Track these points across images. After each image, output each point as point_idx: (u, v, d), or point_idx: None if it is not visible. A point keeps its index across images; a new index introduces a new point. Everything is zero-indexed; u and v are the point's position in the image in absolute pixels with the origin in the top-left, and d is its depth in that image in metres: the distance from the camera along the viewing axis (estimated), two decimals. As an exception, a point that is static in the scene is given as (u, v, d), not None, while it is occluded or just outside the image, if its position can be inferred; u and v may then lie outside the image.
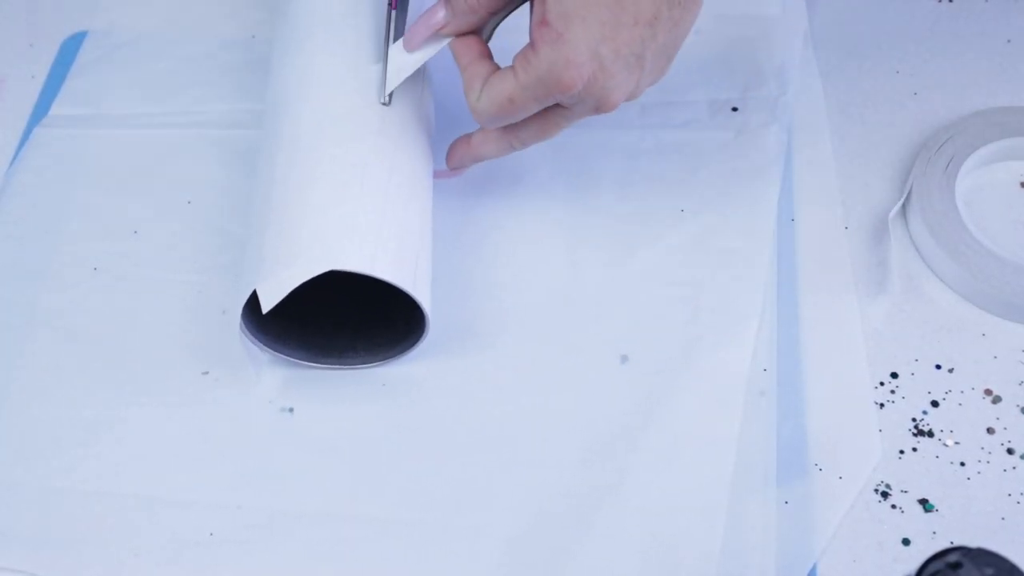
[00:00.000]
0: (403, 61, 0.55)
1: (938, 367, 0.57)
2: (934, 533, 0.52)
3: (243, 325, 0.53)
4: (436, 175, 0.58)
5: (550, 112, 0.53)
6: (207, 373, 0.57)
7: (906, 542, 0.51)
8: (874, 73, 0.68)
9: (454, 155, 0.57)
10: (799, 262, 0.60)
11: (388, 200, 0.53)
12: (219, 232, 0.62)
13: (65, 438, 0.55)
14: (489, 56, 0.53)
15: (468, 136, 0.56)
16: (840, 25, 0.70)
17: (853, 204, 0.62)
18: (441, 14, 0.53)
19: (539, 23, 0.50)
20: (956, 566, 0.37)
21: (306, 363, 0.56)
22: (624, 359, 0.56)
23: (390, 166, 0.54)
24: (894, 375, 0.56)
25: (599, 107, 0.52)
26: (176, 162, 0.65)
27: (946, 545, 0.49)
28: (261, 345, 0.55)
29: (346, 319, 0.57)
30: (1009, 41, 0.69)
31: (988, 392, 0.56)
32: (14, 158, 0.66)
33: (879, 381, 0.56)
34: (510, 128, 0.54)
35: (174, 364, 0.57)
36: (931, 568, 0.37)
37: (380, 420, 0.55)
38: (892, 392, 0.56)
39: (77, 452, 0.54)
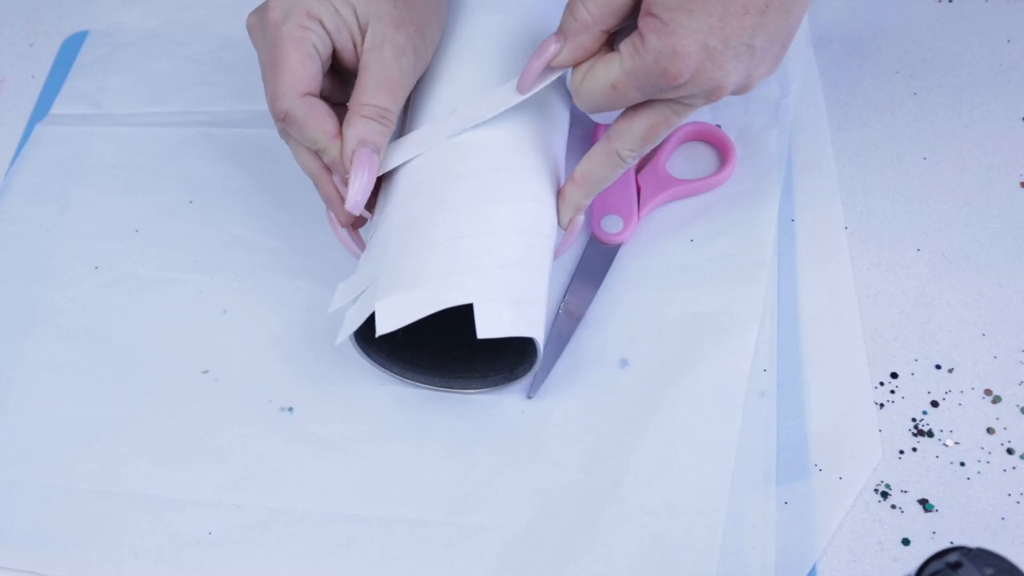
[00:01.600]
0: (511, 100, 0.53)
1: (938, 367, 0.57)
2: (934, 533, 0.52)
3: (354, 340, 0.52)
4: (560, 253, 0.56)
5: (657, 109, 0.51)
6: (207, 372, 0.57)
7: (906, 542, 0.51)
8: (874, 73, 0.68)
9: (566, 202, 0.55)
10: (799, 262, 0.60)
11: (532, 247, 0.52)
12: (219, 232, 0.62)
13: (64, 437, 0.55)
14: (599, 39, 0.51)
15: (571, 177, 0.55)
16: (840, 25, 0.70)
17: (853, 204, 0.62)
18: (552, 47, 0.51)
19: (645, 13, 0.49)
20: (956, 566, 0.37)
21: (406, 380, 0.56)
22: (624, 363, 0.56)
23: (538, 212, 0.53)
24: (894, 375, 0.56)
25: (709, 97, 0.50)
26: (176, 162, 0.65)
27: (946, 545, 0.49)
28: (366, 356, 0.54)
29: (442, 343, 0.56)
30: (1009, 41, 0.69)
31: (988, 392, 0.56)
32: (15, 157, 0.66)
33: (879, 381, 0.56)
34: (614, 138, 0.53)
35: (174, 364, 0.57)
36: (931, 568, 0.37)
37: (380, 420, 0.55)
38: (892, 392, 0.56)
39: (76, 451, 0.54)
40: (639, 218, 0.60)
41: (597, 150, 0.53)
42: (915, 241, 0.61)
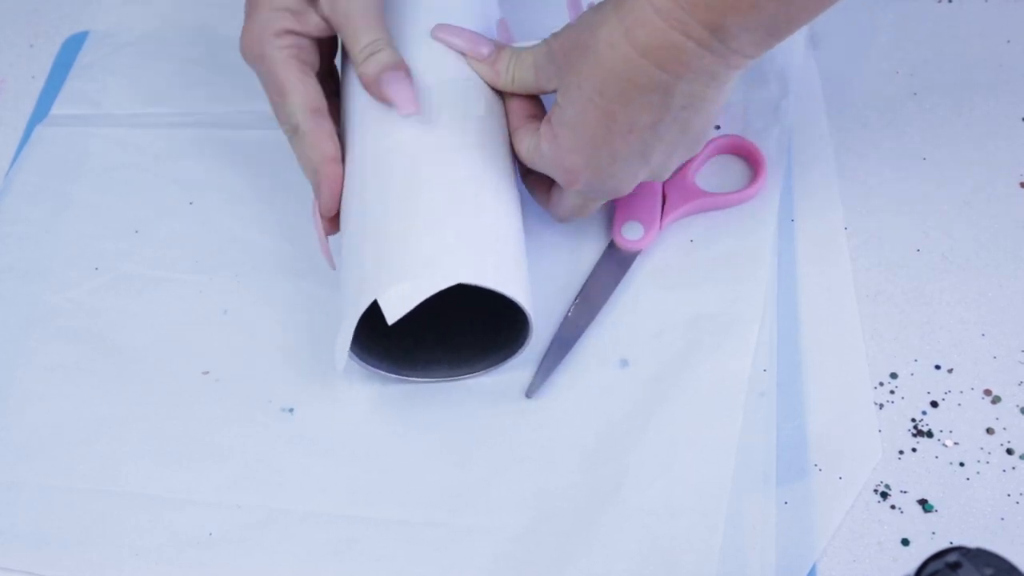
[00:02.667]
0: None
1: (938, 367, 0.57)
2: (933, 533, 0.52)
3: (350, 344, 0.52)
4: None
5: (574, 198, 0.55)
6: (207, 373, 0.57)
7: (905, 542, 0.51)
8: (874, 73, 0.68)
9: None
10: (799, 262, 0.60)
11: (500, 212, 0.53)
12: (219, 232, 0.62)
13: (64, 437, 0.55)
14: (536, 111, 0.55)
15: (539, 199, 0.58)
16: (840, 25, 0.70)
17: (853, 204, 0.62)
18: (484, 49, 0.55)
19: (546, 119, 0.52)
20: (955, 566, 0.37)
21: (402, 377, 0.55)
22: (624, 363, 0.56)
23: (497, 178, 0.54)
24: (894, 375, 0.56)
25: (610, 194, 0.54)
26: (176, 162, 0.65)
27: (945, 545, 0.49)
28: (361, 361, 0.54)
29: (427, 331, 0.56)
30: (1009, 41, 0.69)
31: (988, 392, 0.56)
32: (15, 158, 0.66)
33: (879, 381, 0.56)
34: (553, 202, 0.57)
35: (174, 364, 0.57)
36: (930, 568, 0.37)
37: (380, 421, 0.55)
38: (892, 392, 0.56)
39: (76, 451, 0.54)
40: (661, 227, 0.60)
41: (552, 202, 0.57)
42: (915, 241, 0.61)
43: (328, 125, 0.54)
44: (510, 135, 0.55)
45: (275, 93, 0.54)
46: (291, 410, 0.56)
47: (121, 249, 0.62)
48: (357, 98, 0.55)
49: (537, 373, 0.55)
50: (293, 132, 0.54)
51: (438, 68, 0.55)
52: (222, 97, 0.68)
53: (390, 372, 0.55)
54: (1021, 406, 0.55)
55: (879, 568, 0.51)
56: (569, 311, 0.58)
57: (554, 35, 0.52)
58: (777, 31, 0.46)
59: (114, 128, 0.67)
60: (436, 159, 0.53)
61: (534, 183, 0.58)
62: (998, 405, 0.55)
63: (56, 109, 0.68)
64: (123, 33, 0.72)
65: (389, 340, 0.54)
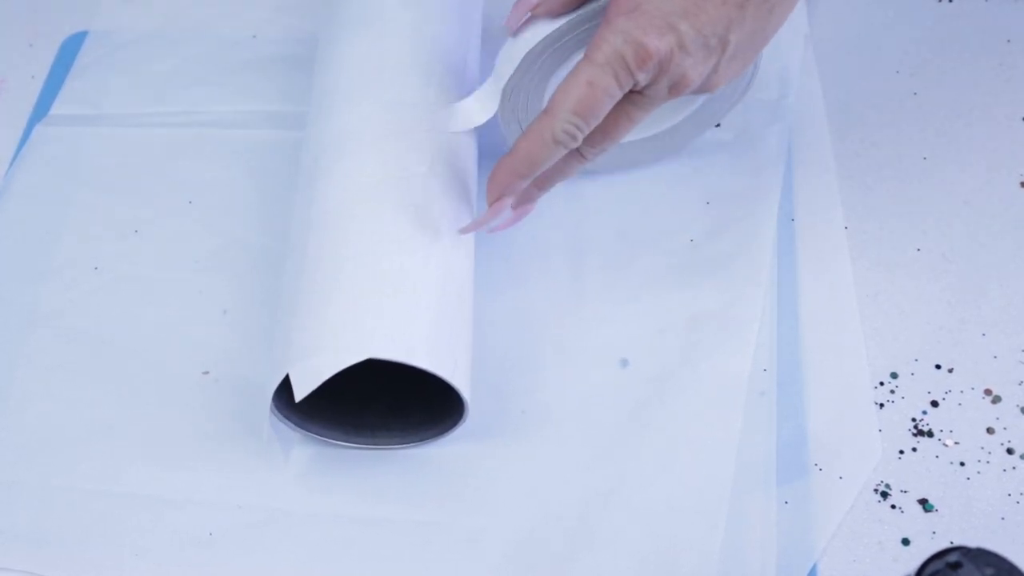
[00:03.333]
0: (509, 53, 0.53)
1: (938, 367, 0.57)
2: (934, 533, 0.52)
3: (274, 407, 0.51)
4: (492, 230, 0.54)
5: (619, 105, 0.49)
6: (207, 373, 0.57)
7: (906, 542, 0.51)
8: (874, 73, 0.68)
9: (490, 183, 0.51)
10: (799, 262, 0.60)
11: (425, 283, 0.50)
12: (219, 232, 0.62)
13: (64, 438, 0.55)
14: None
15: (510, 158, 0.50)
16: (840, 25, 0.70)
17: (853, 204, 0.62)
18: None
19: (614, 2, 0.48)
20: (956, 566, 0.37)
21: (339, 443, 0.54)
22: (624, 363, 0.56)
23: (428, 245, 0.51)
24: (894, 375, 0.56)
25: (673, 88, 0.48)
26: (176, 162, 0.65)
27: (946, 545, 0.49)
28: (291, 424, 0.53)
29: (378, 396, 0.55)
30: (1009, 41, 0.69)
31: (988, 392, 0.56)
32: (14, 158, 0.66)
33: (879, 381, 0.56)
34: (551, 111, 0.49)
35: (174, 364, 0.57)
36: (931, 568, 0.37)
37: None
38: (892, 392, 0.56)
39: (76, 452, 0.54)
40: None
41: (533, 126, 0.49)
42: (915, 241, 0.61)
43: None
44: (551, 105, 0.49)
45: None
46: (291, 410, 0.56)
47: (121, 249, 0.62)
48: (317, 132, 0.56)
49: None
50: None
51: (380, 121, 0.54)
52: (222, 97, 0.68)
53: (335, 439, 0.54)
54: (1021, 406, 0.55)
55: (879, 568, 0.51)
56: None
57: None
58: None
59: (114, 128, 0.67)
60: (367, 223, 0.51)
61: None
62: (998, 405, 0.55)
63: (56, 109, 0.68)
64: (123, 33, 0.72)
65: (339, 403, 0.53)
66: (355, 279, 0.50)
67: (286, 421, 0.52)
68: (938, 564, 0.37)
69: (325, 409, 0.53)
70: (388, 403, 0.54)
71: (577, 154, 0.51)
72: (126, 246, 0.62)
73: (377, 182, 0.53)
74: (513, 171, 0.50)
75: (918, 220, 0.62)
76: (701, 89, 0.50)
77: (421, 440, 0.54)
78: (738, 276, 0.59)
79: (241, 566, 0.51)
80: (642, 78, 0.47)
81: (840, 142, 0.65)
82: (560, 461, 0.54)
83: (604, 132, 0.50)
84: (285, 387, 0.50)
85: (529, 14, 0.52)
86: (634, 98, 0.49)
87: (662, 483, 0.52)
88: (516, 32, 0.53)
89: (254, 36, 0.71)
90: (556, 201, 0.62)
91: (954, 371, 0.56)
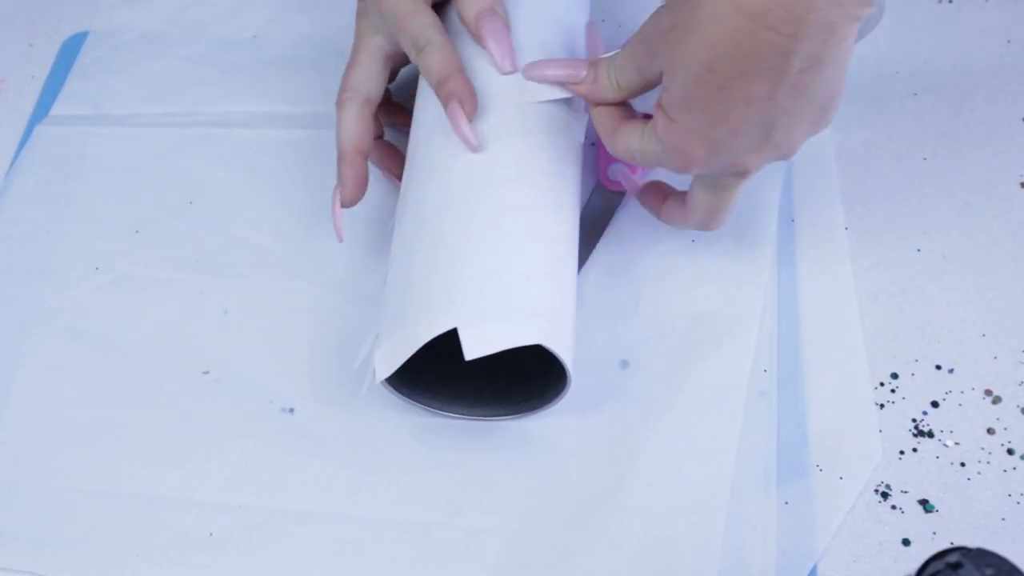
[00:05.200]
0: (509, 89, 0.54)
1: (938, 367, 0.57)
2: (934, 533, 0.52)
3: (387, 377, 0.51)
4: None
5: (703, 191, 0.53)
6: (207, 373, 0.57)
7: (906, 542, 0.51)
8: (874, 73, 0.68)
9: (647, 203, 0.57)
10: (799, 262, 0.60)
11: (572, 280, 0.53)
12: (219, 232, 0.62)
13: (65, 438, 0.55)
14: (629, 112, 0.53)
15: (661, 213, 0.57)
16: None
17: (853, 204, 0.62)
18: (582, 73, 0.53)
19: (656, 104, 0.49)
20: (956, 566, 0.37)
21: (430, 410, 0.55)
22: (624, 363, 0.56)
23: (571, 241, 0.53)
24: (894, 375, 0.56)
25: (737, 175, 0.50)
26: (176, 162, 0.65)
27: (946, 545, 0.49)
28: (398, 393, 0.53)
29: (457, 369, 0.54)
30: (1009, 41, 0.69)
31: (988, 392, 0.56)
32: (15, 158, 0.66)
33: (879, 381, 0.56)
34: (687, 213, 0.55)
35: (174, 364, 0.57)
36: (931, 568, 0.37)
37: (380, 421, 0.55)
38: (892, 392, 0.56)
39: (77, 452, 0.54)
40: (643, 170, 0.60)
41: (679, 213, 0.55)
42: (915, 241, 0.61)
43: (455, 50, 0.54)
44: (605, 142, 0.53)
45: (408, 15, 0.55)
46: (291, 410, 0.56)
47: (121, 249, 0.62)
48: (428, 114, 0.56)
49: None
50: (424, 46, 0.54)
51: (515, 92, 0.54)
52: (222, 97, 0.68)
53: (413, 400, 0.54)
54: (1022, 406, 0.55)
55: (880, 568, 0.51)
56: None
57: (644, 26, 0.49)
58: None
59: (114, 128, 0.67)
60: (533, 209, 0.52)
61: (650, 198, 0.57)
62: (999, 405, 0.55)
63: (56, 109, 0.68)
64: (123, 33, 0.72)
65: (420, 370, 0.53)
66: (522, 263, 0.51)
67: (390, 388, 0.53)
68: (938, 564, 0.37)
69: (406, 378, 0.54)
70: (463, 378, 0.55)
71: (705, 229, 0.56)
72: (126, 246, 0.62)
73: (520, 171, 0.53)
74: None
75: (918, 220, 0.62)
76: (780, 159, 0.51)
77: (501, 415, 0.55)
78: (738, 276, 0.59)
79: (241, 566, 0.51)
80: (696, 171, 0.50)
81: (840, 142, 0.65)
82: (560, 461, 0.54)
83: (713, 216, 0.54)
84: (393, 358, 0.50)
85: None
86: (710, 186, 0.52)
87: (662, 483, 0.52)
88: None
89: (254, 36, 0.71)
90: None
91: (954, 371, 0.56)
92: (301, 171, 0.64)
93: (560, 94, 0.54)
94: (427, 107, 0.56)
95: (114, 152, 0.66)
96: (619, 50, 0.52)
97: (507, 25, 0.54)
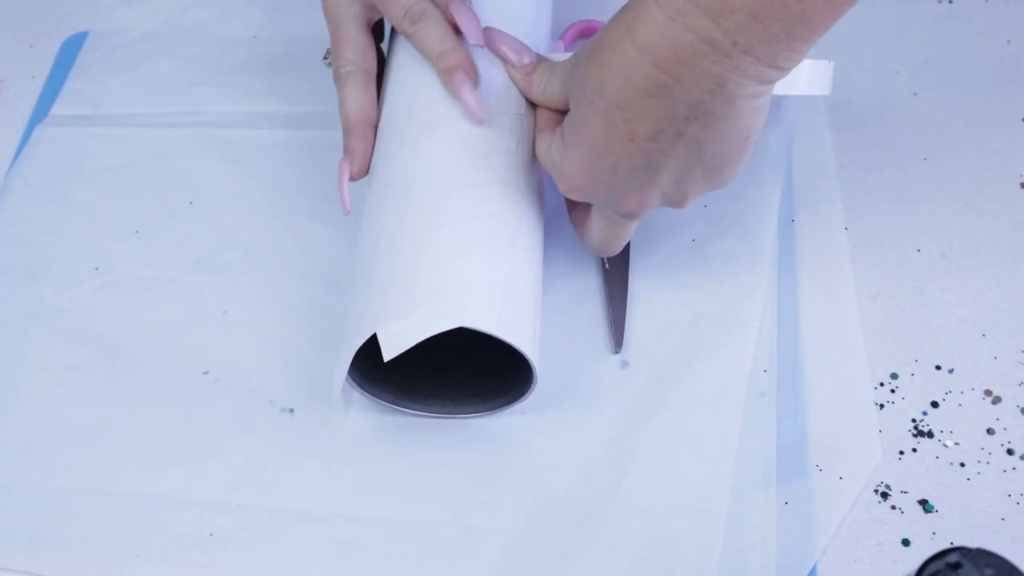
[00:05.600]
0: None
1: (938, 367, 0.57)
2: (934, 534, 0.52)
3: (350, 374, 0.51)
4: None
5: (599, 218, 0.53)
6: (207, 373, 0.57)
7: (906, 542, 0.51)
8: (874, 73, 0.68)
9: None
10: (799, 262, 0.60)
11: (515, 256, 0.52)
12: (219, 232, 0.62)
13: (65, 438, 0.55)
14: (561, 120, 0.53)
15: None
16: (840, 25, 0.70)
17: (853, 204, 0.62)
18: (526, 59, 0.54)
19: (561, 124, 0.51)
20: (956, 566, 0.37)
21: (402, 409, 0.55)
22: (624, 363, 0.56)
23: (517, 218, 0.52)
24: (894, 375, 0.56)
25: (624, 214, 0.51)
26: (176, 162, 0.65)
27: (946, 545, 0.49)
28: (361, 390, 0.53)
29: (435, 365, 0.55)
30: (1009, 41, 0.69)
31: (988, 392, 0.56)
32: (14, 158, 0.66)
33: (879, 381, 0.56)
34: (585, 227, 0.56)
35: (174, 364, 0.57)
36: (931, 568, 0.37)
37: (380, 421, 0.55)
38: (892, 392, 0.56)
39: (77, 452, 0.54)
40: None
41: (587, 230, 0.56)
42: (915, 241, 0.61)
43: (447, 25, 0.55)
44: (535, 141, 0.54)
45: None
46: (291, 410, 0.56)
47: (121, 249, 0.62)
48: (398, 110, 0.56)
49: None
50: (420, 17, 0.54)
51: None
52: (222, 97, 0.68)
53: (390, 402, 0.54)
54: (1021, 406, 0.55)
55: (879, 568, 0.51)
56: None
57: (584, 43, 0.50)
58: (789, 24, 0.42)
59: (114, 128, 0.67)
60: (461, 190, 0.52)
61: (576, 216, 0.57)
62: (998, 405, 0.55)
63: (56, 109, 0.68)
64: (123, 33, 0.72)
65: (393, 368, 0.53)
66: (442, 247, 0.51)
67: (357, 387, 0.53)
68: (938, 565, 0.37)
69: (379, 377, 0.54)
70: (444, 373, 0.55)
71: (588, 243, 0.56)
72: (126, 246, 0.62)
73: (462, 158, 0.53)
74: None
75: (918, 220, 0.62)
76: (669, 205, 0.51)
77: (486, 411, 0.54)
78: (738, 276, 0.59)
79: (242, 566, 0.51)
80: (577, 197, 0.51)
81: (840, 142, 0.65)
82: (560, 461, 0.54)
83: (609, 243, 0.55)
84: (359, 355, 0.50)
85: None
86: (604, 213, 0.52)
87: (662, 483, 0.52)
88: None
89: (254, 36, 0.71)
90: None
91: (954, 371, 0.56)
92: (301, 171, 0.64)
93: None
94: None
95: (114, 152, 0.66)
96: (561, 59, 0.53)
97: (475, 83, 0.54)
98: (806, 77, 0.55)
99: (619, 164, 0.47)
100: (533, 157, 0.55)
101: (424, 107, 0.54)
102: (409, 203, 0.52)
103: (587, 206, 0.55)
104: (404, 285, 0.50)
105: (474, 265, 0.50)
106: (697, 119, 0.45)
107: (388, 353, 0.48)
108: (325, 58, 0.59)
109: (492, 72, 0.55)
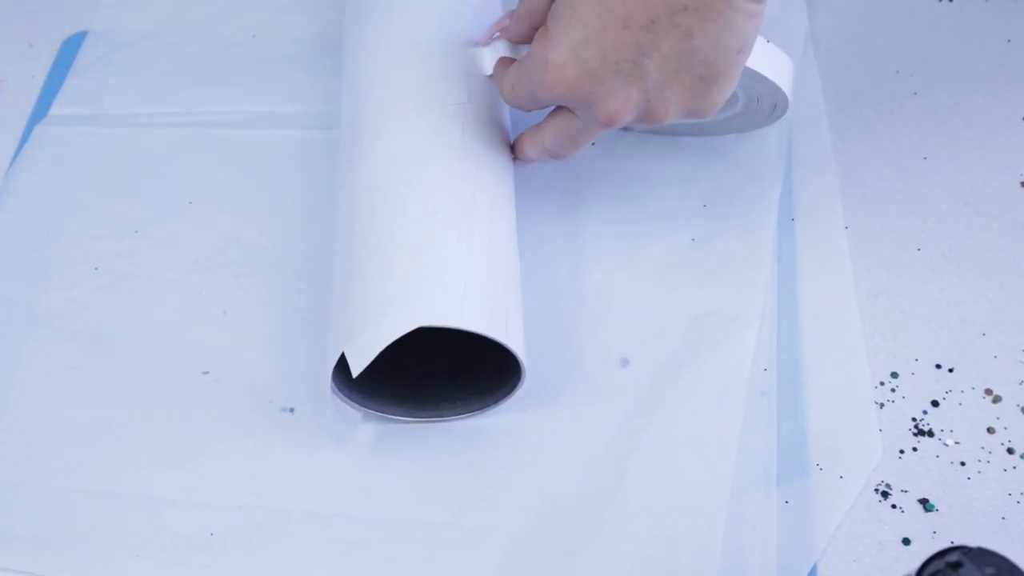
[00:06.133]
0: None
1: (938, 367, 0.57)
2: (934, 533, 0.52)
3: (334, 385, 0.51)
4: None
5: (565, 120, 0.52)
6: (207, 373, 0.57)
7: (906, 542, 0.51)
8: (874, 73, 0.68)
9: (518, 149, 0.56)
10: (799, 262, 0.60)
11: (472, 247, 0.51)
12: (219, 232, 0.62)
13: (65, 438, 0.55)
14: (531, 31, 0.52)
15: (521, 137, 0.56)
16: (840, 25, 0.70)
17: (853, 204, 0.62)
18: (505, 20, 0.55)
19: (542, 25, 0.49)
20: (956, 566, 0.37)
21: (401, 418, 0.54)
22: (624, 363, 0.56)
23: (471, 207, 0.52)
24: (894, 375, 0.56)
25: (597, 117, 0.49)
26: (176, 162, 0.65)
27: (946, 545, 0.49)
28: (353, 403, 0.53)
29: (438, 366, 0.55)
30: (1009, 41, 0.69)
31: (988, 392, 0.56)
32: (14, 158, 0.66)
33: (879, 381, 0.56)
34: (536, 136, 0.54)
35: (174, 364, 0.57)
36: (931, 568, 0.37)
37: (381, 421, 0.55)
38: (892, 392, 0.56)
39: (77, 452, 0.54)
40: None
41: (529, 136, 0.54)
42: (915, 241, 0.61)
43: None
44: (499, 88, 0.53)
45: None
46: (291, 410, 0.56)
47: (121, 249, 0.61)
48: (354, 108, 0.56)
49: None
50: None
51: (419, 74, 0.55)
52: (222, 97, 0.68)
53: (380, 410, 0.54)
54: (1022, 405, 0.55)
55: (880, 568, 0.51)
56: None
57: None
58: None
59: (114, 128, 0.67)
60: (413, 186, 0.52)
61: (529, 132, 0.55)
62: (999, 404, 0.55)
63: (56, 109, 0.68)
64: (123, 33, 0.71)
65: (390, 376, 0.53)
66: (399, 249, 0.51)
67: (348, 400, 0.53)
68: (938, 564, 0.37)
69: (384, 385, 0.54)
70: (449, 375, 0.55)
71: (553, 158, 0.54)
72: (126, 246, 0.62)
73: (414, 157, 0.53)
74: (525, 157, 0.56)
75: (918, 220, 0.62)
76: (641, 121, 0.50)
77: (484, 407, 0.54)
78: (738, 276, 0.59)
79: (242, 567, 0.51)
80: (556, 103, 0.50)
81: (840, 142, 0.65)
82: (560, 461, 0.53)
83: (560, 143, 0.53)
84: (346, 365, 0.50)
85: (497, 34, 0.55)
86: (571, 118, 0.51)
87: (662, 483, 0.52)
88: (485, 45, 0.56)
89: (254, 36, 0.71)
90: (555, 202, 0.62)
91: (954, 371, 0.56)
92: (301, 171, 0.64)
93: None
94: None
95: (114, 152, 0.66)
96: None
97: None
98: (769, 62, 0.54)
99: (608, 55, 0.47)
100: (484, 143, 0.55)
101: (375, 106, 0.55)
102: (359, 211, 0.53)
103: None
104: (359, 298, 0.50)
105: (427, 263, 0.50)
106: (696, 11, 0.45)
107: (357, 367, 0.48)
108: None
109: (442, 63, 0.55)
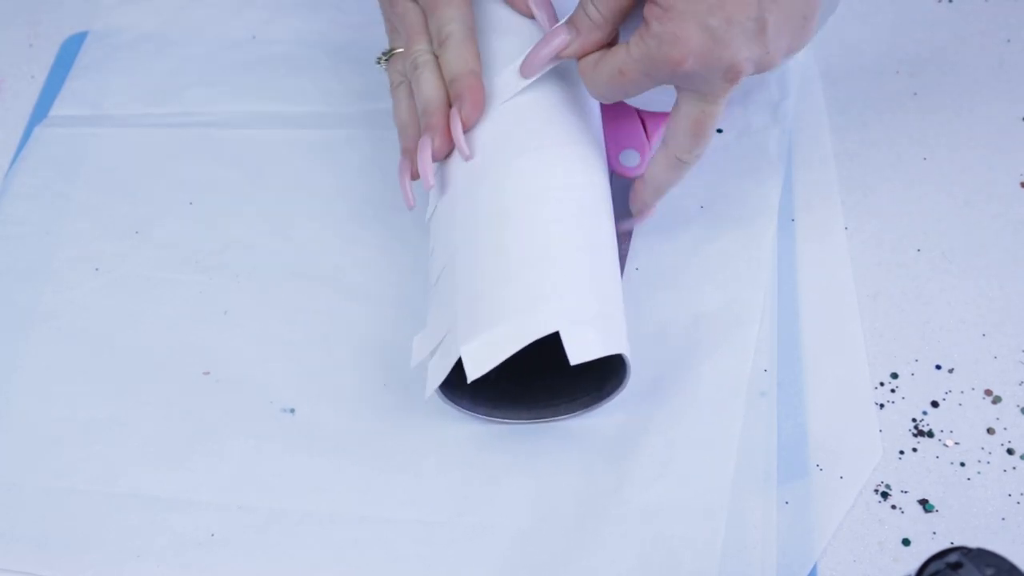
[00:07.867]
0: (514, 85, 0.54)
1: (938, 367, 0.57)
2: (934, 533, 0.52)
3: (440, 389, 0.51)
4: (624, 226, 0.58)
5: (689, 103, 0.52)
6: (207, 373, 0.57)
7: (906, 542, 0.51)
8: (874, 73, 0.68)
9: (636, 199, 0.57)
10: (799, 262, 0.60)
11: (600, 251, 0.52)
12: (220, 232, 0.62)
13: (65, 438, 0.55)
14: (609, 35, 0.52)
15: (641, 177, 0.56)
16: (840, 25, 0.70)
17: (853, 204, 0.62)
18: (562, 38, 0.52)
19: (649, 1, 0.49)
20: (956, 566, 0.37)
21: (499, 420, 0.54)
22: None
23: (595, 215, 0.53)
24: (894, 375, 0.56)
25: (727, 78, 0.49)
26: (176, 162, 0.65)
27: (946, 545, 0.49)
28: (454, 404, 0.53)
29: (525, 371, 0.54)
30: (1009, 41, 0.69)
31: (988, 392, 0.56)
32: (14, 158, 0.66)
33: (879, 381, 0.56)
34: (668, 143, 0.54)
35: (174, 364, 0.57)
36: (931, 568, 0.37)
37: (381, 421, 0.55)
38: (892, 392, 0.56)
39: (77, 452, 0.54)
40: (651, 147, 0.60)
41: (658, 157, 0.55)
42: (915, 241, 0.61)
43: (476, 44, 0.54)
44: (590, 82, 0.53)
45: (432, 5, 0.55)
46: (292, 410, 0.56)
47: (121, 249, 0.62)
48: None
49: None
50: (445, 40, 0.54)
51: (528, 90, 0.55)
52: (222, 97, 0.68)
53: (476, 411, 0.54)
54: (1022, 406, 0.55)
55: (880, 568, 0.51)
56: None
57: None
58: None
59: (114, 128, 0.67)
60: (533, 192, 0.52)
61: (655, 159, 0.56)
62: (999, 405, 0.55)
63: (56, 109, 0.68)
64: (123, 33, 0.72)
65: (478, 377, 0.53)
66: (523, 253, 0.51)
67: (450, 402, 0.53)
68: (938, 564, 0.37)
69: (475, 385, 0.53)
70: (534, 376, 0.55)
71: (684, 164, 0.54)
72: (126, 246, 0.62)
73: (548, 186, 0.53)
74: (653, 195, 0.57)
75: (918, 220, 0.62)
76: (759, 71, 0.51)
77: (585, 408, 0.54)
78: (738, 276, 0.59)
79: (242, 567, 0.51)
80: (684, 81, 0.50)
81: (840, 142, 0.65)
82: (561, 461, 0.54)
83: (693, 136, 0.53)
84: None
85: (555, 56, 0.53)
86: (696, 96, 0.51)
87: (662, 483, 0.52)
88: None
89: (254, 36, 0.71)
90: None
91: (954, 371, 0.56)
92: (301, 171, 0.64)
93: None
94: None
95: (114, 152, 0.66)
96: None
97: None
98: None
99: (734, 17, 0.48)
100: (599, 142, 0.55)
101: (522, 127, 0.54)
102: (482, 213, 0.53)
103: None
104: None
105: (547, 272, 0.50)
106: None
107: (472, 373, 0.49)
108: (379, 61, 0.58)
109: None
